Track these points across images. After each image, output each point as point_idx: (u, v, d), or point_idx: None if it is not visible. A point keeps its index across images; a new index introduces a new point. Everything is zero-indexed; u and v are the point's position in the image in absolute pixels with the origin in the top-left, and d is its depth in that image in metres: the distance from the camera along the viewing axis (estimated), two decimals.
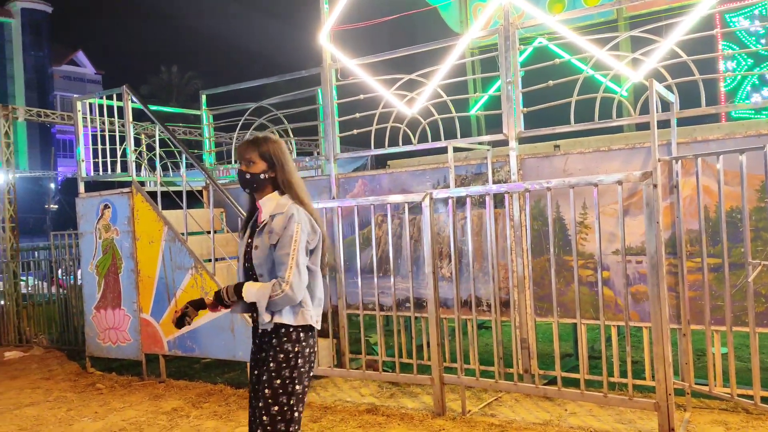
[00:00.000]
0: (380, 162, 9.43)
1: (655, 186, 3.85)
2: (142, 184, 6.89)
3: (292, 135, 7.19)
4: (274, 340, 2.55)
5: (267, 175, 2.63)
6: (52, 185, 32.23)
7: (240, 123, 7.30)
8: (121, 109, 6.76)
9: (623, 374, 4.60)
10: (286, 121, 6.97)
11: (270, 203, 2.64)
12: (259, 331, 2.60)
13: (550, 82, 5.02)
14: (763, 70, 7.08)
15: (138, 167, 6.83)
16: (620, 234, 4.11)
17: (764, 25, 7.43)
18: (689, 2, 5.79)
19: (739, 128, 4.93)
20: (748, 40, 7.83)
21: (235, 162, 7.33)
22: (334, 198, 6.07)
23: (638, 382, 4.48)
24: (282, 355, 2.53)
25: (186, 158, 6.49)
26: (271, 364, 2.53)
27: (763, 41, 7.64)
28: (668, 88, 4.58)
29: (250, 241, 2.65)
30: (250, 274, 2.63)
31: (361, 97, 6.07)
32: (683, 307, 4.36)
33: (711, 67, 7.92)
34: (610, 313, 4.67)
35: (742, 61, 7.96)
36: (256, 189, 2.66)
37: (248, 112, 7.17)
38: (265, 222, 2.59)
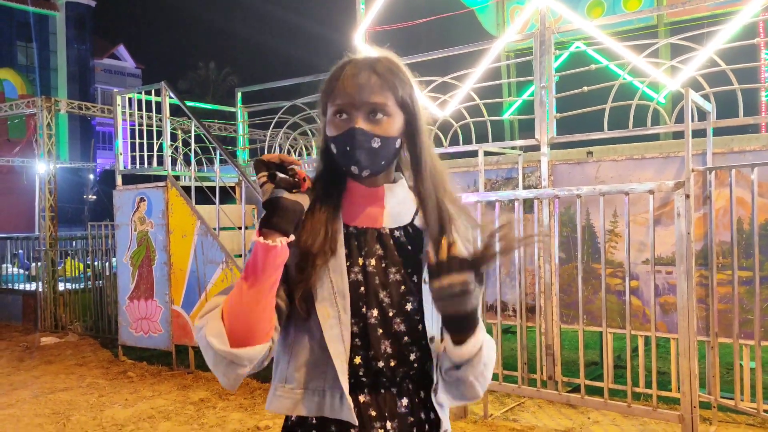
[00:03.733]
0: None
1: (687, 196, 3.80)
2: (177, 178, 7.04)
3: None
4: None
5: (402, 142, 1.30)
6: (91, 176, 33.02)
7: (274, 121, 7.41)
8: (159, 104, 6.92)
9: (648, 385, 4.55)
10: (319, 120, 7.04)
11: (402, 193, 1.35)
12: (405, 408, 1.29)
13: (585, 88, 4.98)
14: None
15: (173, 162, 6.98)
16: (650, 243, 4.06)
17: None
18: (733, 8, 5.69)
19: None
20: None
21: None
22: None
23: (663, 393, 4.43)
24: None
25: (220, 154, 6.62)
26: None
27: None
28: (706, 97, 4.51)
29: (382, 265, 1.29)
30: (395, 331, 1.26)
31: None
32: (712, 320, 4.30)
33: (754, 77, 7.75)
34: (637, 322, 4.62)
35: None
36: (381, 168, 1.29)
37: (282, 110, 7.27)
38: (405, 228, 1.33)
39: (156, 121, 7.06)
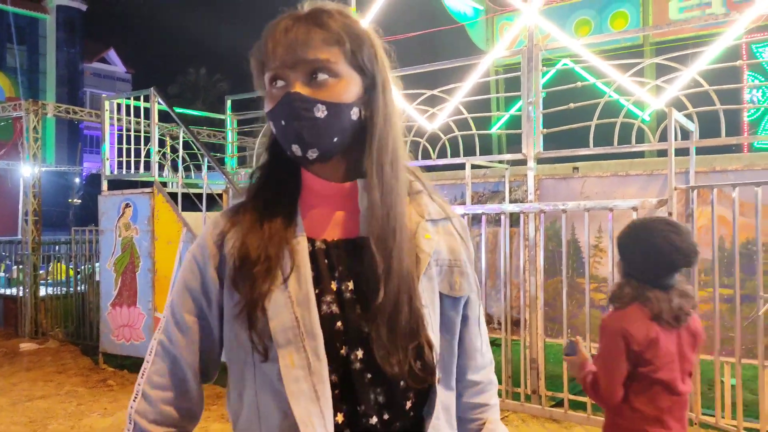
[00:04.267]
0: None
1: (670, 214, 3.85)
2: (164, 184, 7.01)
3: None
4: None
5: (361, 113, 1.02)
6: (77, 180, 32.79)
7: (263, 129, 7.40)
8: (147, 110, 6.91)
9: None
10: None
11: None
12: None
13: (571, 105, 5.04)
14: None
15: (160, 168, 6.95)
16: None
17: None
18: (717, 30, 5.79)
19: (759, 160, 4.92)
20: None
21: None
22: None
23: None
24: None
25: (208, 161, 6.61)
26: None
27: None
28: (689, 116, 4.58)
29: (363, 289, 1.00)
30: (389, 374, 0.98)
31: None
32: None
33: (737, 97, 7.87)
34: None
35: (767, 91, 7.90)
36: (332, 146, 1.00)
37: None
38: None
39: (144, 126, 7.04)
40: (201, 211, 6.34)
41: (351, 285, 1.00)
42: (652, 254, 2.19)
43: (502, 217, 4.75)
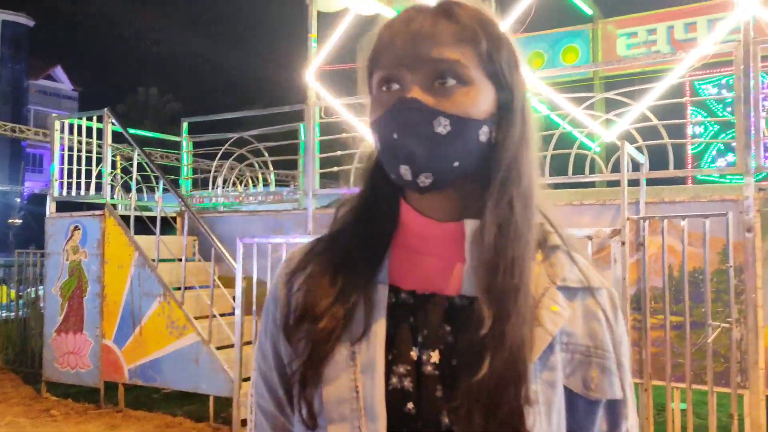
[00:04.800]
0: None
1: (623, 243, 3.98)
2: (115, 207, 6.83)
3: (272, 167, 7.25)
4: None
5: (491, 134, 0.80)
6: (18, 200, 31.57)
7: (220, 152, 7.33)
8: (99, 130, 6.75)
9: None
10: (266, 153, 7.03)
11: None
12: None
13: None
14: (727, 138, 7.41)
15: (112, 189, 6.78)
16: None
17: (728, 97, 7.79)
18: (662, 67, 6.08)
19: (704, 191, 5.15)
20: (716, 108, 8.20)
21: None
22: (310, 233, 6.10)
23: None
24: None
25: (163, 183, 6.48)
26: None
27: (729, 109, 7.99)
28: (639, 148, 4.77)
29: (452, 364, 0.77)
30: None
31: (344, 135, 6.18)
32: (646, 363, 4.46)
33: (682, 131, 8.25)
34: None
35: (709, 126, 8.31)
36: (452, 173, 0.78)
37: (229, 142, 7.22)
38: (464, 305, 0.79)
39: (96, 147, 6.87)
40: (154, 234, 6.20)
41: (436, 356, 0.76)
42: None
43: None
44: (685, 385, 4.17)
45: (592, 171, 5.04)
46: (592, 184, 6.00)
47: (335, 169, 6.31)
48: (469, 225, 0.79)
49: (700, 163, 8.37)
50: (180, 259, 6.08)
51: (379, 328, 0.77)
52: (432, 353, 0.76)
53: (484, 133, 0.78)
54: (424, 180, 0.75)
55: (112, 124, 6.70)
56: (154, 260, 6.12)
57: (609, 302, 0.84)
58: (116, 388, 6.28)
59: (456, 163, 0.76)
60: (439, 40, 0.75)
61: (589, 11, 9.08)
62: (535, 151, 0.83)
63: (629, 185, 4.42)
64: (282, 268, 0.89)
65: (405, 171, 0.76)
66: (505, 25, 0.82)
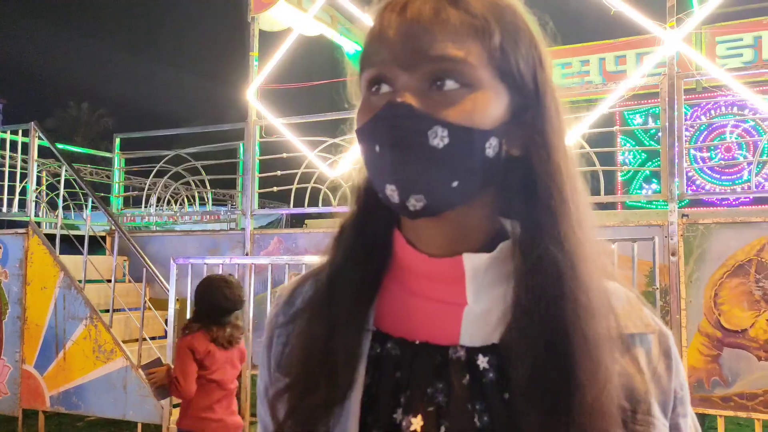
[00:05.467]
0: (297, 220, 9.43)
1: None
2: (39, 225, 6.52)
3: (209, 186, 7.10)
4: None
5: (501, 148, 0.65)
6: None
7: (155, 170, 7.13)
8: (24, 145, 6.45)
9: None
10: (203, 172, 6.88)
11: (503, 274, 0.67)
12: None
13: None
14: (653, 166, 7.78)
15: (36, 207, 6.47)
16: None
17: (654, 127, 8.20)
18: (594, 97, 6.33)
19: (632, 217, 5.37)
20: (643, 137, 8.61)
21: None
22: (248, 254, 5.98)
23: None
24: None
25: (92, 201, 6.24)
26: None
27: (656, 138, 8.42)
28: None
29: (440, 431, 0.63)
30: None
31: (284, 155, 6.12)
32: None
33: (612, 158, 8.62)
34: None
35: (637, 155, 8.71)
36: (451, 196, 0.64)
37: (164, 159, 7.03)
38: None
39: (21, 162, 6.55)
40: (81, 253, 5.93)
41: (419, 422, 0.63)
42: (213, 302, 3.28)
43: None
44: None
45: None
46: None
47: (275, 189, 6.23)
48: (469, 260, 0.66)
49: (629, 189, 8.74)
50: (109, 280, 5.83)
51: (356, 385, 0.65)
52: (415, 419, 0.63)
53: (492, 147, 0.63)
54: (415, 203, 0.62)
55: (39, 138, 6.42)
56: (80, 281, 5.85)
57: (665, 350, 0.69)
58: (36, 416, 5.93)
59: (455, 183, 0.62)
60: (441, 34, 0.62)
61: None
62: (576, 167, 0.68)
63: None
64: (273, 308, 0.77)
65: (391, 192, 0.62)
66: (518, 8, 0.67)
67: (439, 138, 0.61)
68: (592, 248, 0.65)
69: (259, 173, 6.18)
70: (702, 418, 5.67)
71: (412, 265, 0.68)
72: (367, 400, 0.65)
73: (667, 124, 4.64)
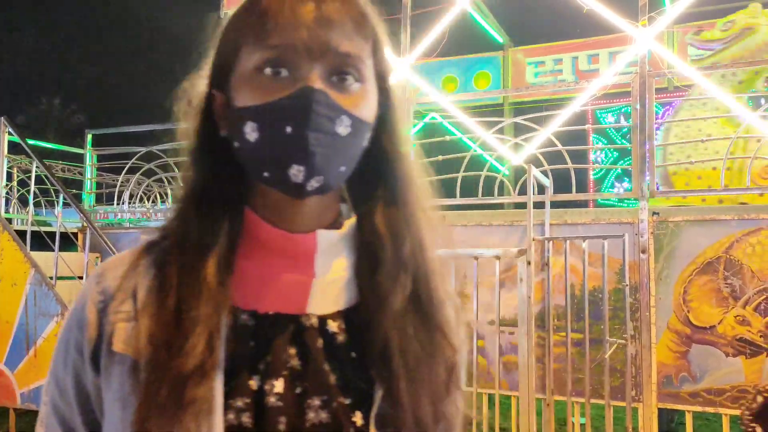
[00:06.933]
0: None
1: (529, 263, 4.13)
2: (10, 221, 6.41)
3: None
4: None
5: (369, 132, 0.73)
6: None
7: (127, 166, 7.05)
8: None
9: None
10: (177, 169, 6.82)
11: (347, 249, 0.77)
12: None
13: (440, 157, 5.31)
14: (624, 165, 7.90)
15: (6, 203, 6.36)
16: (495, 306, 4.34)
17: (625, 126, 8.32)
18: (568, 95, 6.42)
19: (603, 214, 5.46)
20: (615, 136, 8.73)
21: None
22: None
23: None
24: None
25: (64, 198, 6.15)
26: None
27: (628, 137, 8.54)
28: (545, 172, 4.99)
29: (296, 392, 0.69)
30: None
31: None
32: (548, 378, 4.63)
33: (584, 157, 8.70)
34: (483, 380, 4.86)
35: (609, 153, 8.83)
36: (338, 178, 0.71)
37: (137, 155, 6.96)
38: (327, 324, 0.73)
39: None
40: (53, 250, 5.85)
41: (280, 384, 0.67)
42: None
43: None
44: (584, 400, 4.36)
45: (501, 193, 5.22)
46: (501, 206, 6.20)
47: None
48: (323, 236, 0.72)
49: (601, 187, 8.85)
50: (81, 277, 5.76)
51: (215, 357, 0.66)
52: (276, 382, 0.67)
53: (366, 138, 0.72)
54: (314, 184, 0.67)
55: (9, 133, 6.31)
56: (52, 278, 5.78)
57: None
58: (7, 413, 5.84)
59: (343, 168, 0.69)
60: (347, 30, 0.67)
61: (500, 39, 9.47)
62: (417, 164, 0.80)
63: (535, 207, 4.60)
64: (91, 286, 0.74)
65: (296, 172, 0.65)
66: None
67: (343, 126, 0.67)
68: (429, 224, 0.78)
69: None
70: (671, 413, 5.79)
71: (268, 241, 0.72)
72: (229, 369, 0.67)
73: (638, 122, 4.71)
